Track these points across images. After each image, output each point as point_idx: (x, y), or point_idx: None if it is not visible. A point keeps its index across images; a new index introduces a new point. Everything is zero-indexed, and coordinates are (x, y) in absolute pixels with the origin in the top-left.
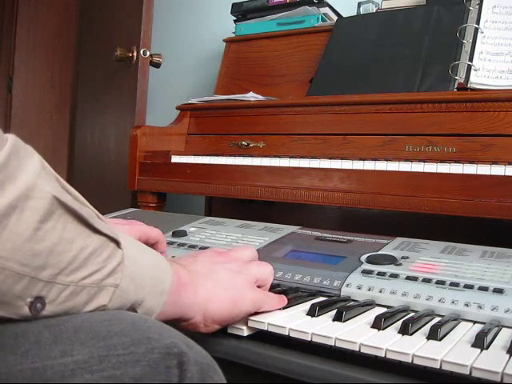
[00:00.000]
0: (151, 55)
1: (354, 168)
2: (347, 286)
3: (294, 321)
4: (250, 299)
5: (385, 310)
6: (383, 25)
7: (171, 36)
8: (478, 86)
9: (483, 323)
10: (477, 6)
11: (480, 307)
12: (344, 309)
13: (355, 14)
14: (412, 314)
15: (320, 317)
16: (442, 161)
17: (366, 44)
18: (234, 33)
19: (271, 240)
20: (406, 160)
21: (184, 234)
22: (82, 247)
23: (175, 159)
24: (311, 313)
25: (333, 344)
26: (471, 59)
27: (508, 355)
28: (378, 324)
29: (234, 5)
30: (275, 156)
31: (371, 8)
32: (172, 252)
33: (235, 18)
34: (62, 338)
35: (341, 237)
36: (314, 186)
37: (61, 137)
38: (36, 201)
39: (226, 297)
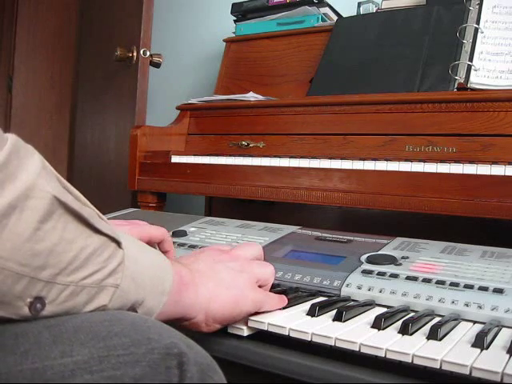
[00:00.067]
0: (151, 55)
1: (354, 168)
2: (347, 286)
3: (294, 321)
4: (251, 299)
5: (385, 310)
6: (383, 25)
7: (171, 36)
8: (478, 86)
9: (483, 323)
10: (477, 6)
11: (480, 307)
12: (344, 309)
13: (355, 13)
14: (412, 314)
15: (320, 317)
16: (442, 161)
17: (366, 44)
18: (234, 33)
19: (271, 240)
20: (406, 160)
21: (184, 234)
22: (83, 247)
23: (175, 159)
24: (311, 313)
25: (333, 344)
26: (471, 59)
27: (508, 355)
28: (378, 324)
29: (233, 5)
30: (275, 156)
31: (371, 8)
32: None
33: (235, 18)
34: (61, 338)
35: (341, 237)
36: (314, 186)
37: (61, 137)
38: (36, 200)
39: (227, 296)
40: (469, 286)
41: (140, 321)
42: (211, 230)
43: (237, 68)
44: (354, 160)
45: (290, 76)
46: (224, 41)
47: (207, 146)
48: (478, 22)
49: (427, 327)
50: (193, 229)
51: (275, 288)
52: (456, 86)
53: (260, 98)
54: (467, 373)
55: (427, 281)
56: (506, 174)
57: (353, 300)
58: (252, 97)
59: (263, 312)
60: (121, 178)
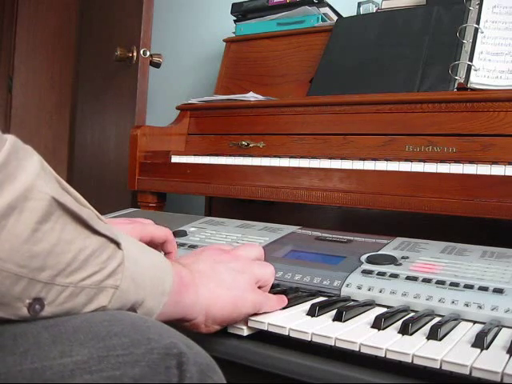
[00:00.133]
0: (151, 55)
1: (354, 168)
2: (347, 286)
3: (294, 321)
4: (251, 301)
5: (385, 310)
6: (383, 25)
7: (171, 36)
8: (478, 86)
9: (483, 323)
10: (477, 6)
11: (480, 307)
12: (344, 309)
13: (355, 13)
14: (412, 314)
15: (320, 317)
16: (442, 161)
17: (366, 44)
18: (234, 33)
19: (271, 240)
20: (406, 160)
21: (184, 234)
22: (81, 248)
23: (175, 159)
24: (311, 313)
25: (333, 344)
26: (471, 59)
27: (508, 355)
28: (378, 324)
29: (233, 5)
30: (275, 156)
31: (371, 8)
32: None
33: (235, 18)
34: (61, 338)
35: (341, 237)
36: (314, 186)
37: (61, 137)
38: (35, 202)
39: (228, 297)
40: (469, 286)
41: (140, 321)
42: (211, 230)
43: (237, 68)
44: (353, 160)
45: (290, 76)
46: (224, 41)
47: (207, 146)
48: (478, 22)
49: (427, 327)
50: (193, 229)
51: (275, 288)
52: (456, 85)
53: (260, 97)
54: (467, 373)
55: (427, 281)
56: (506, 174)
57: (353, 300)
58: (252, 97)
59: (263, 312)
60: (121, 178)
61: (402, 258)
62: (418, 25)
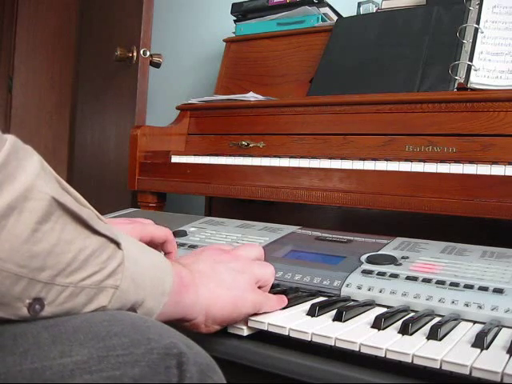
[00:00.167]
0: (151, 55)
1: (354, 168)
2: (347, 286)
3: (294, 321)
4: (251, 301)
5: (385, 310)
6: (383, 25)
7: (171, 36)
8: (478, 86)
9: (483, 323)
10: (477, 6)
11: (480, 307)
12: (344, 309)
13: (355, 13)
14: (412, 314)
15: (320, 317)
16: (442, 161)
17: (366, 44)
18: (234, 33)
19: (271, 240)
20: (406, 160)
21: (184, 234)
22: (81, 248)
23: (175, 159)
24: (311, 313)
25: (333, 344)
26: (471, 59)
27: (508, 355)
28: (378, 324)
29: (233, 5)
30: (275, 156)
31: (371, 8)
32: None
33: (235, 18)
34: (61, 338)
35: (341, 237)
36: (314, 186)
37: (61, 137)
38: (34, 202)
39: (228, 297)
40: (469, 286)
41: (139, 321)
42: (211, 230)
43: (237, 68)
44: (353, 160)
45: (290, 76)
46: (224, 41)
47: (207, 146)
48: (477, 22)
49: (427, 327)
50: (193, 229)
51: (275, 288)
52: (456, 85)
53: (260, 98)
54: (467, 373)
55: (427, 281)
56: (506, 174)
57: (353, 300)
58: (252, 97)
59: (263, 312)
60: (121, 178)
61: (402, 258)
62: (417, 25)
